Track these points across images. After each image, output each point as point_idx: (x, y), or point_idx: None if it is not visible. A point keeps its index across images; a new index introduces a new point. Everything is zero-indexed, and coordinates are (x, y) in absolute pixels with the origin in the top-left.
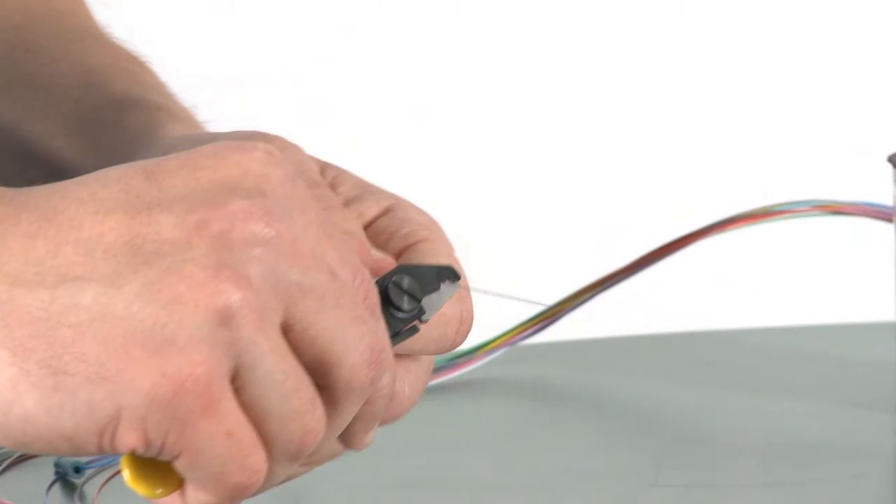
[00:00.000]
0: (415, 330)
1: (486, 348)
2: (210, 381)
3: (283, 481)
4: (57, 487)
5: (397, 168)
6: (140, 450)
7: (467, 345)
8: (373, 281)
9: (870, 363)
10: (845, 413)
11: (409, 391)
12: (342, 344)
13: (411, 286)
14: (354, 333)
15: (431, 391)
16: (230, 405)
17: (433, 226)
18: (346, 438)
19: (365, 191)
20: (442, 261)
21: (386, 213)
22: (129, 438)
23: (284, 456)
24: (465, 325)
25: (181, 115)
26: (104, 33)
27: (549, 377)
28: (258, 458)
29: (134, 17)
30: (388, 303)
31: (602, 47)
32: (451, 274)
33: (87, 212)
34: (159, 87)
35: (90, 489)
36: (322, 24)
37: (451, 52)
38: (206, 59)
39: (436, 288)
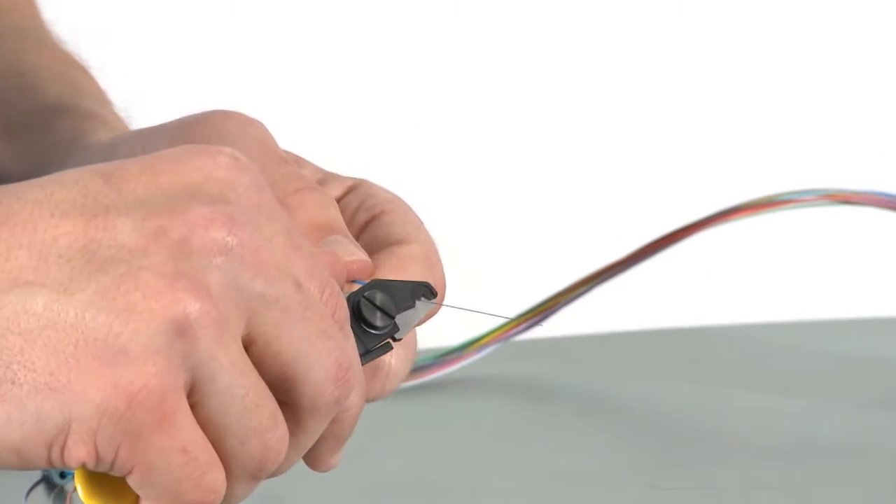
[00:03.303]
0: (387, 347)
1: (477, 345)
2: (164, 394)
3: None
4: (41, 490)
5: (393, 158)
6: (91, 464)
7: (457, 341)
8: (342, 295)
9: (879, 360)
10: (852, 412)
11: (395, 364)
12: (307, 359)
13: (384, 302)
14: (320, 348)
15: (419, 390)
16: (186, 420)
17: (398, 200)
18: (311, 460)
19: (327, 175)
20: (409, 231)
21: (351, 191)
22: (78, 452)
23: (244, 475)
24: (439, 292)
25: (113, 123)
26: (46, 33)
27: (542, 375)
28: (215, 477)
29: (133, 17)
30: (360, 319)
31: (604, 35)
32: (426, 290)
33: (42, 214)
34: (95, 94)
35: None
36: (320, 23)
37: (448, 47)
38: (205, 59)
39: (411, 305)
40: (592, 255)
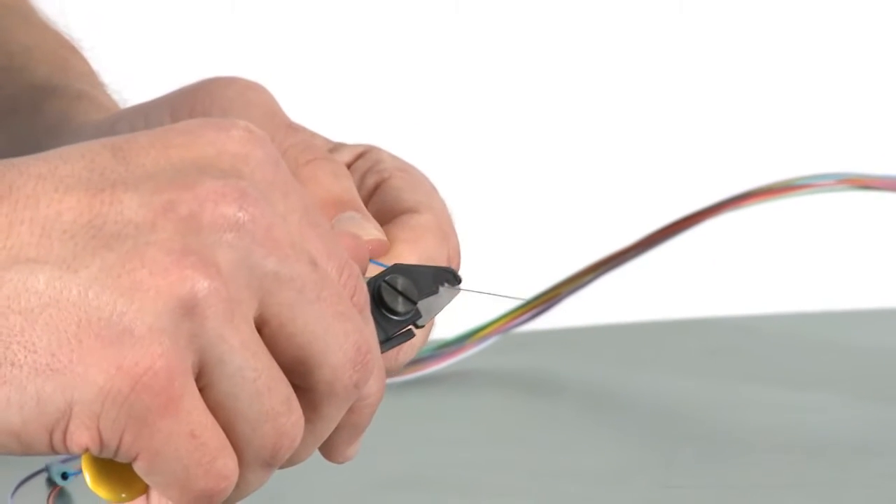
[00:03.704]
0: (409, 335)
1: (477, 336)
2: (170, 376)
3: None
4: (32, 487)
5: (395, 144)
6: (94, 450)
7: (456, 332)
8: (362, 278)
9: None
10: (875, 407)
11: (401, 357)
12: (323, 342)
13: (406, 287)
14: (337, 331)
15: (416, 384)
16: (194, 404)
17: (409, 166)
18: (327, 450)
19: (336, 144)
20: (420, 199)
21: (360, 156)
22: (81, 437)
23: (257, 462)
24: (454, 264)
25: (106, 104)
26: (33, 12)
27: (545, 367)
28: (226, 463)
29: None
30: (380, 304)
31: (609, 21)
32: (450, 276)
33: (46, 189)
34: (87, 75)
35: (79, 498)
36: (317, 22)
37: (449, 40)
38: (201, 41)
39: (434, 290)
40: (598, 243)
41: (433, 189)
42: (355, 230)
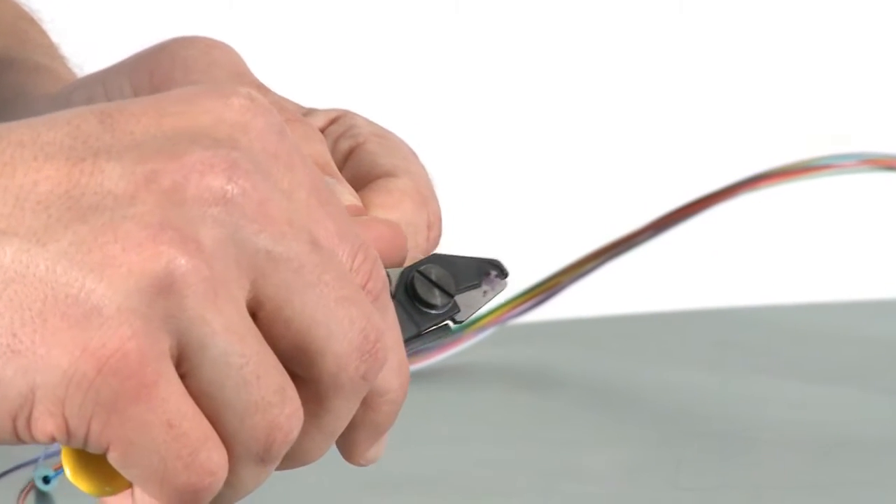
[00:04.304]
0: (446, 330)
1: (474, 327)
2: (142, 359)
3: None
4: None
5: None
6: (61, 438)
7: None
8: (380, 264)
9: None
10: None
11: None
12: (324, 328)
13: (442, 278)
14: (340, 316)
15: (413, 376)
16: (171, 390)
17: (385, 131)
18: (346, 450)
19: (309, 109)
20: (397, 163)
21: (334, 121)
22: (46, 424)
23: (248, 457)
24: (434, 230)
25: (65, 76)
26: None
27: (546, 361)
28: (209, 456)
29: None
30: (413, 297)
31: (613, 3)
32: (495, 268)
33: (25, 157)
34: (46, 47)
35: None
36: (313, 20)
37: (448, 30)
38: (168, 13)
39: (475, 283)
40: (603, 228)
41: (411, 153)
42: None
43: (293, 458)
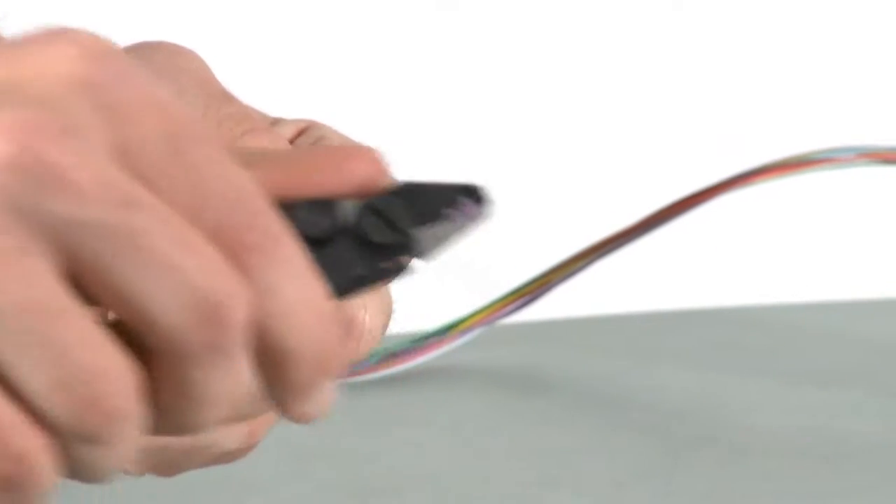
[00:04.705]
0: (399, 269)
1: (460, 328)
2: None
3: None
4: None
5: (376, 120)
6: None
7: (435, 324)
8: (269, 212)
9: None
10: None
11: (370, 320)
12: (147, 298)
13: (397, 211)
14: (170, 284)
15: (391, 381)
16: None
17: (354, 140)
18: (275, 405)
19: (276, 118)
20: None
21: (303, 132)
22: None
23: (72, 438)
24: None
25: None
26: None
27: (535, 363)
28: (18, 442)
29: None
30: (358, 233)
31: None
32: (470, 194)
33: None
34: None
35: None
36: (309, 19)
37: (433, 31)
38: (138, 33)
39: (444, 215)
40: (593, 225)
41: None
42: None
43: (175, 430)
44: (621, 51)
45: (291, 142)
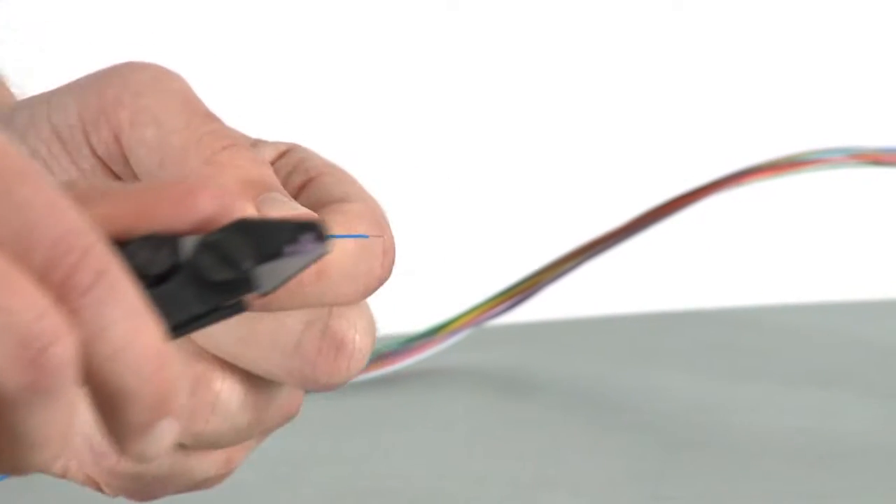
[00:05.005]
0: (235, 309)
1: (447, 329)
2: None
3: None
4: None
5: (366, 135)
6: None
7: (424, 325)
8: (96, 251)
9: None
10: (893, 406)
11: (360, 340)
12: None
13: (233, 248)
14: None
15: (378, 383)
16: None
17: (335, 165)
18: (116, 445)
19: (256, 140)
20: (350, 191)
21: (283, 155)
22: None
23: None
24: (389, 257)
25: (5, 99)
26: None
27: (523, 365)
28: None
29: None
30: (193, 272)
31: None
32: (309, 231)
33: None
34: None
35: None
36: (306, 19)
37: (432, 31)
38: (202, 58)
39: (282, 252)
40: (583, 226)
41: (362, 186)
42: (279, 211)
43: (13, 471)
44: (613, 53)
45: (272, 164)
